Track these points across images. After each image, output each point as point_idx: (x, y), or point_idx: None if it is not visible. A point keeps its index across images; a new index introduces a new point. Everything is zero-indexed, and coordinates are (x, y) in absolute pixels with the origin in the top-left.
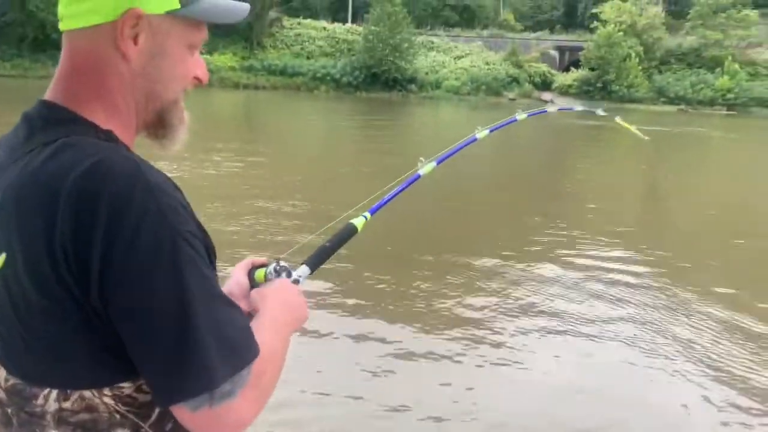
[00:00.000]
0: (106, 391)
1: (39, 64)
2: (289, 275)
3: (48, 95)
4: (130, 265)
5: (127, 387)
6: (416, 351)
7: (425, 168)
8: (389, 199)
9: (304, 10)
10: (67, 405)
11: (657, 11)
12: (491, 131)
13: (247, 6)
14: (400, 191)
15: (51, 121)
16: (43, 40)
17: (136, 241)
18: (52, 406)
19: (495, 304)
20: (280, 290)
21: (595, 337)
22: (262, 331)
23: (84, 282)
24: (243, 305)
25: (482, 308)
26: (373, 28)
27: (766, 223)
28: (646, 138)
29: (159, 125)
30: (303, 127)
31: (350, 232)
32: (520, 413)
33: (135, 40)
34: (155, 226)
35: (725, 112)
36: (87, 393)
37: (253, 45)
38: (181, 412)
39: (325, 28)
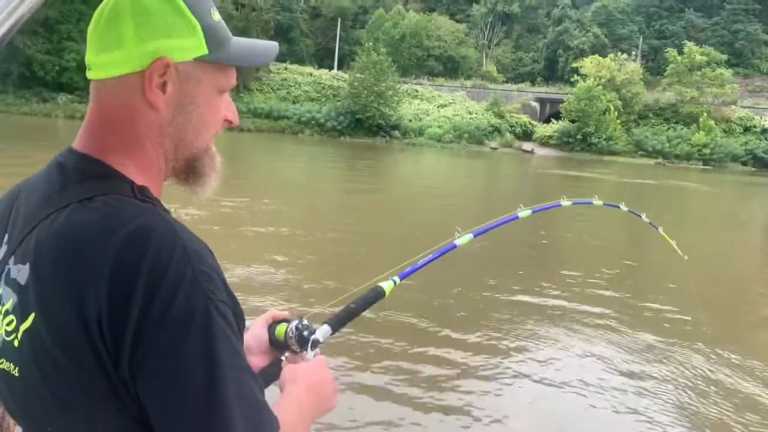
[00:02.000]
0: None
1: (23, 100)
2: (311, 333)
3: (78, 144)
4: (162, 334)
5: None
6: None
7: (462, 239)
8: (421, 266)
9: (290, 55)
10: None
11: (635, 67)
12: (534, 212)
13: (276, 46)
14: (434, 259)
15: (87, 174)
16: (29, 77)
17: (170, 309)
18: None
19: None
20: (313, 374)
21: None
22: (286, 411)
23: (115, 350)
24: (258, 360)
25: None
26: (358, 75)
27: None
28: (686, 257)
29: (189, 172)
30: (293, 169)
31: (377, 295)
32: None
33: (163, 89)
34: (189, 294)
35: (701, 167)
36: None
37: (240, 88)
38: None
39: (311, 74)
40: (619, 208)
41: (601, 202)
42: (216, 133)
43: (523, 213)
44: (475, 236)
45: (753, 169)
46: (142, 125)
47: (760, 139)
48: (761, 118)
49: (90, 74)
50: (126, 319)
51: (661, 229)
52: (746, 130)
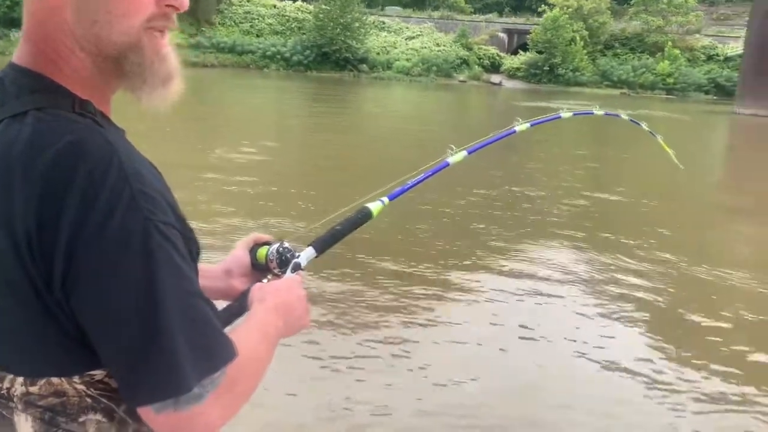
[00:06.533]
0: (76, 378)
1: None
2: (293, 256)
3: (16, 57)
4: (97, 255)
5: (98, 374)
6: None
7: (455, 156)
8: (412, 186)
9: None
10: (34, 389)
11: None
12: (532, 125)
13: None
14: (425, 178)
15: (24, 88)
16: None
17: (105, 229)
18: (18, 389)
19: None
20: (283, 292)
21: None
22: (247, 333)
23: (46, 271)
24: (239, 283)
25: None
26: (323, 6)
27: None
28: (681, 167)
29: (120, 76)
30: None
31: (364, 216)
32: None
33: None
34: (127, 213)
35: (665, 96)
36: (54, 379)
37: (201, 22)
38: (145, 412)
39: (274, 6)
40: (619, 116)
41: (602, 112)
42: (149, 24)
43: (521, 126)
44: (469, 153)
45: (715, 97)
46: (54, 29)
47: (723, 68)
48: (724, 46)
49: None
50: (56, 241)
51: (660, 138)
52: (709, 58)
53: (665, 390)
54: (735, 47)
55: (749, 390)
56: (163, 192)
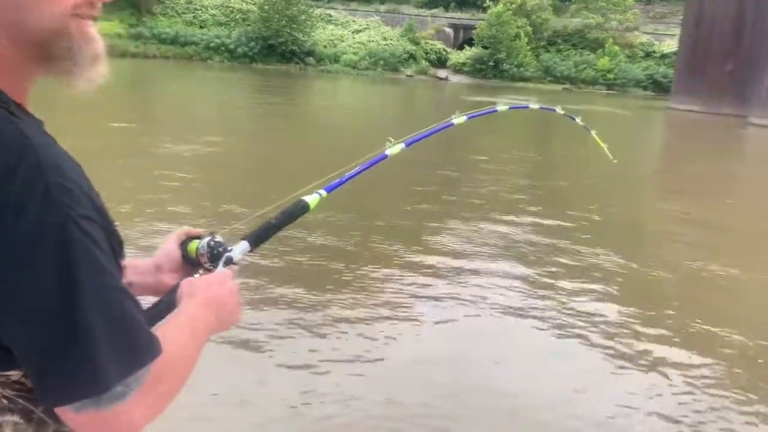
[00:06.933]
0: None
1: None
2: (225, 250)
3: None
4: (9, 252)
5: (14, 374)
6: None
7: (393, 149)
8: (349, 178)
9: None
10: None
11: None
12: (469, 118)
13: None
14: (363, 170)
15: None
16: None
17: (18, 225)
18: None
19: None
20: (213, 286)
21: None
22: (176, 329)
23: None
24: (170, 278)
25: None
26: None
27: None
28: (615, 161)
29: (47, 61)
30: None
31: (301, 209)
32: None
33: None
34: (42, 208)
35: (605, 91)
36: None
37: (142, 12)
38: (64, 412)
39: None
40: (554, 111)
41: (537, 106)
42: (75, 9)
43: (458, 119)
44: (407, 146)
45: (653, 93)
46: None
47: (659, 65)
48: (660, 43)
49: None
50: None
51: (593, 132)
52: (647, 55)
53: (626, 366)
54: (671, 44)
55: (702, 361)
56: (81, 184)
